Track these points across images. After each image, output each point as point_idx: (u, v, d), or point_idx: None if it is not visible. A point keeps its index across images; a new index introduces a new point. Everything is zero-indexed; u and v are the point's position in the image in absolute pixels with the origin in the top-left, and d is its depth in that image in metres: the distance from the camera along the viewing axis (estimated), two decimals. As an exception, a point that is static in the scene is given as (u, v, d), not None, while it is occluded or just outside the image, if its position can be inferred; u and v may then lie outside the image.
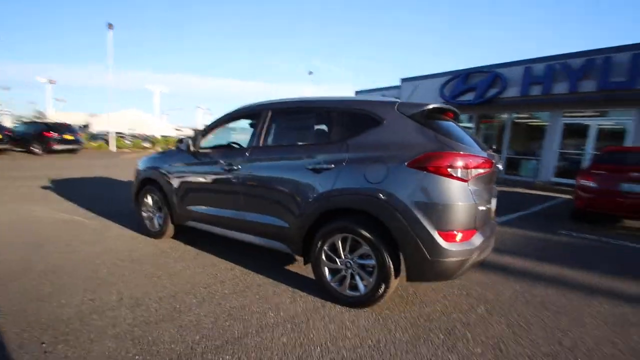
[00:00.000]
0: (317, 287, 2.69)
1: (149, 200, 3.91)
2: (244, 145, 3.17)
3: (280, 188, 2.75)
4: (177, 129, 55.69)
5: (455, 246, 2.13)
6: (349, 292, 2.45)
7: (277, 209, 2.78)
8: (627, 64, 10.06)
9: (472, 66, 14.31)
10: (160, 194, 3.73)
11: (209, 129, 3.53)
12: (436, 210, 2.10)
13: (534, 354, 1.99)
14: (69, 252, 3.31)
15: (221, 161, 3.19)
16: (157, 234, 3.85)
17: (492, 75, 13.45)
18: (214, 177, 3.26)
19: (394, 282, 2.32)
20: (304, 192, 2.59)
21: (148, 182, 3.93)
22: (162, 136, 28.32)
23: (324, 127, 2.76)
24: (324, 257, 2.54)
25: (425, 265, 2.14)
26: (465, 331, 2.21)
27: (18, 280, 2.64)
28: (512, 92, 12.82)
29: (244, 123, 3.53)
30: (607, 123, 11.53)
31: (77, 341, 1.91)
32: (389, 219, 2.19)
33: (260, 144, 3.00)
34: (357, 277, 2.42)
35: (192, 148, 3.48)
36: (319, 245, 2.53)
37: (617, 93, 10.32)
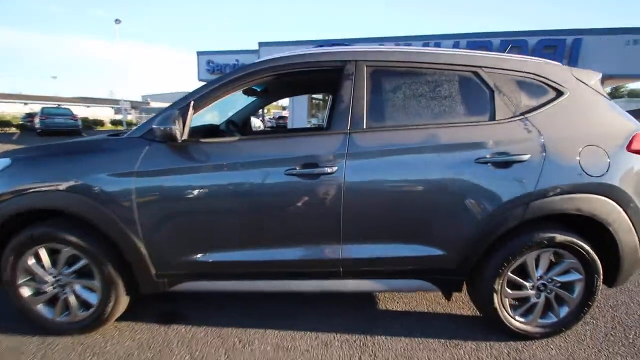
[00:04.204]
0: (469, 327, 1.95)
1: (44, 260, 1.75)
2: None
3: (431, 198, 1.70)
4: None
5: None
6: (540, 322, 1.85)
7: (423, 232, 1.73)
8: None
9: (325, 38, 15.00)
10: (92, 243, 1.71)
11: (204, 99, 1.79)
12: (654, 200, 1.77)
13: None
14: None
15: (279, 160, 1.69)
16: (88, 324, 1.83)
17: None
18: (262, 190, 1.70)
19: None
20: (481, 199, 1.68)
21: (24, 220, 1.75)
22: None
23: (473, 97, 1.82)
24: (505, 286, 1.79)
25: (635, 266, 1.82)
26: (625, 317, 2.11)
27: None
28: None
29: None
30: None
31: None
32: (616, 219, 1.69)
33: (365, 125, 1.74)
34: (553, 300, 1.84)
35: (182, 137, 1.67)
36: (501, 271, 1.75)
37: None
